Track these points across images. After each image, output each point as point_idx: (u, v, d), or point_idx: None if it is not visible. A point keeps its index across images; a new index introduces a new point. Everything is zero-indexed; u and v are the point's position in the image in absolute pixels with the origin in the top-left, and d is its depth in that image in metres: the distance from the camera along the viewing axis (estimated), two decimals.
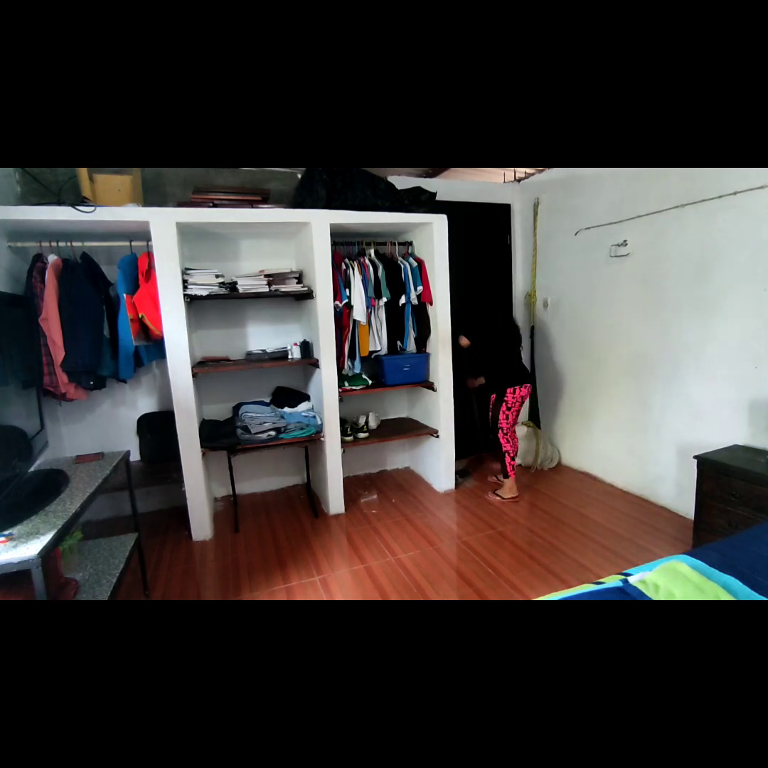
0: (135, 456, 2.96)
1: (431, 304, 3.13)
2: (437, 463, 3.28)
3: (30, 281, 2.38)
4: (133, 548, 2.08)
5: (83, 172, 2.47)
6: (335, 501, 3.01)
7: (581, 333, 3.42)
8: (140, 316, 2.52)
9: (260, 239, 3.13)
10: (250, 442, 2.76)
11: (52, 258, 2.40)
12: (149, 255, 2.54)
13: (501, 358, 3.03)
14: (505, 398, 2.98)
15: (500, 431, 3.03)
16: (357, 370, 3.08)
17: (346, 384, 3.01)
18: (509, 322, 3.13)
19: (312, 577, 2.33)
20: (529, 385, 3.05)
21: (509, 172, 3.89)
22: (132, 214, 2.41)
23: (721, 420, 2.51)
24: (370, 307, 2.99)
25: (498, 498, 3.09)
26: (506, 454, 3.04)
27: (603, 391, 3.29)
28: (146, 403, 3.06)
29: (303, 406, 3.05)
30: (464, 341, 3.15)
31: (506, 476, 3.08)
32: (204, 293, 2.64)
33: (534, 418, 3.84)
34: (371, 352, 3.09)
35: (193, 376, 2.61)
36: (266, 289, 2.79)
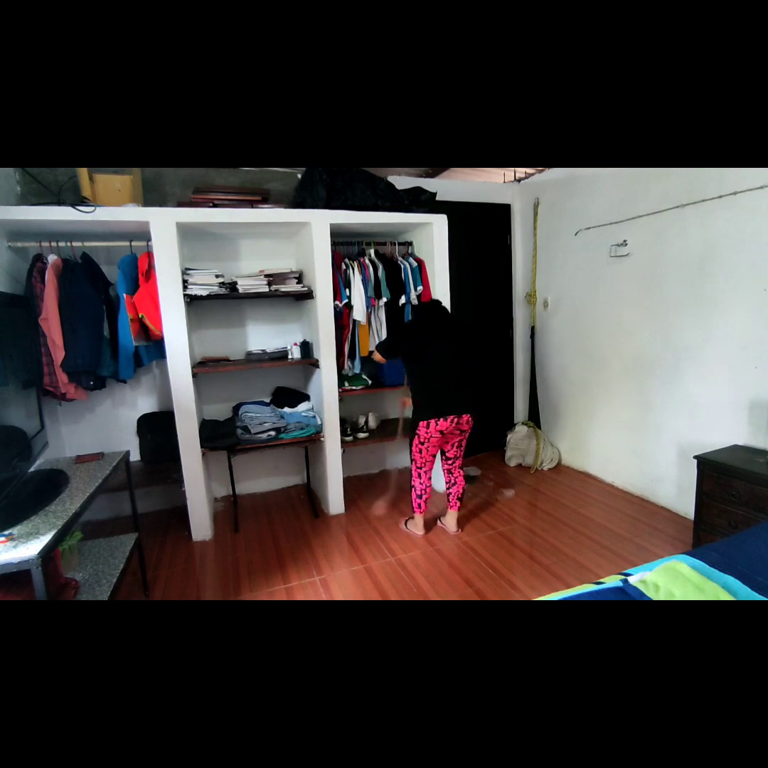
0: (135, 456, 2.96)
1: None
2: (437, 463, 3.27)
3: (30, 281, 2.38)
4: (133, 548, 2.08)
5: (83, 172, 2.47)
6: (335, 501, 3.01)
7: (581, 333, 3.42)
8: (140, 316, 2.52)
9: (260, 239, 3.13)
10: (250, 442, 2.76)
11: (52, 258, 2.40)
12: (149, 255, 2.54)
13: (415, 377, 2.48)
14: (417, 432, 2.47)
15: (413, 463, 2.60)
16: (357, 370, 3.08)
17: (346, 384, 3.01)
18: (447, 323, 2.52)
19: (312, 577, 2.33)
20: (453, 417, 2.39)
21: (509, 172, 3.89)
22: (132, 214, 2.41)
23: (721, 420, 2.51)
24: (370, 307, 2.99)
25: (404, 528, 2.75)
26: (411, 489, 2.64)
27: (603, 391, 3.29)
28: (146, 403, 3.06)
29: (303, 406, 3.05)
30: (377, 357, 2.63)
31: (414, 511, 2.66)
32: (204, 293, 2.64)
33: (534, 418, 3.84)
34: (371, 352, 3.09)
35: (193, 376, 2.61)
36: (266, 289, 2.79)
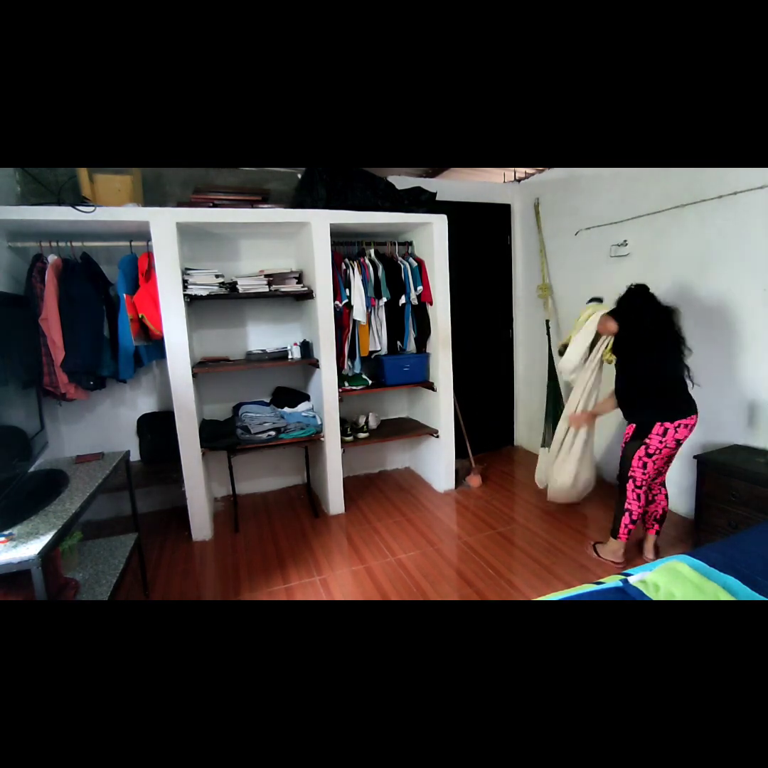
0: (135, 456, 2.96)
1: (431, 304, 3.13)
2: (437, 463, 3.28)
3: (30, 281, 2.38)
4: (133, 548, 2.08)
5: (83, 172, 2.47)
6: (335, 501, 3.01)
7: None
8: (140, 316, 2.52)
9: (260, 239, 3.13)
10: (250, 442, 2.76)
11: (52, 258, 2.40)
12: (149, 255, 2.54)
13: (653, 373, 2.16)
14: (648, 439, 2.13)
15: (631, 481, 2.19)
16: (357, 370, 3.08)
17: (346, 384, 3.01)
18: (666, 318, 2.20)
19: (312, 577, 2.33)
20: (695, 417, 2.15)
21: (509, 172, 3.89)
22: (132, 214, 2.41)
23: (721, 420, 2.51)
24: (370, 307, 2.99)
25: (594, 554, 2.39)
26: (626, 513, 2.22)
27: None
28: (146, 403, 3.06)
29: (303, 406, 3.05)
30: (611, 326, 2.24)
31: (615, 536, 2.28)
32: (204, 293, 2.63)
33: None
34: (371, 352, 3.09)
35: (193, 376, 2.61)
36: (266, 289, 2.79)
